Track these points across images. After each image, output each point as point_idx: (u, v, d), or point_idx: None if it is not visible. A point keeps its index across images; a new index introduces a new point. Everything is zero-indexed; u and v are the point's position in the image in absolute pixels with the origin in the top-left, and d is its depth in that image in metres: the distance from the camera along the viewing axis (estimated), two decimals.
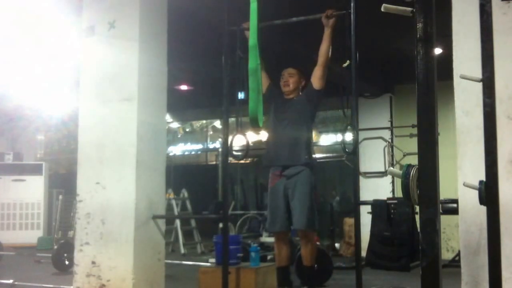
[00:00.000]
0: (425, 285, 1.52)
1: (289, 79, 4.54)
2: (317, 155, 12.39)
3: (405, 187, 1.67)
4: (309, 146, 4.47)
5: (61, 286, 5.28)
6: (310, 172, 4.39)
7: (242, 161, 11.41)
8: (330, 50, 4.30)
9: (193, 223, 10.09)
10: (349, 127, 4.03)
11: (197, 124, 14.29)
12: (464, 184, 2.23)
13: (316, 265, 4.64)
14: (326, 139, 11.99)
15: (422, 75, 1.56)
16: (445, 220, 6.35)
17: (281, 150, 4.45)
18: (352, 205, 4.20)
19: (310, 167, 4.41)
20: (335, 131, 11.40)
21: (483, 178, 2.02)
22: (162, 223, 4.47)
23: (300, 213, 4.31)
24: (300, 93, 4.57)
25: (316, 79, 4.41)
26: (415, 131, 6.91)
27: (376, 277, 5.69)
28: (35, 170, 11.11)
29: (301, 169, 4.36)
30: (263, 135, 14.47)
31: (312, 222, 4.36)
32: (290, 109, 4.51)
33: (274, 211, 4.47)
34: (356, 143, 4.09)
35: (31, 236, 10.59)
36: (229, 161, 4.42)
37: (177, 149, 14.30)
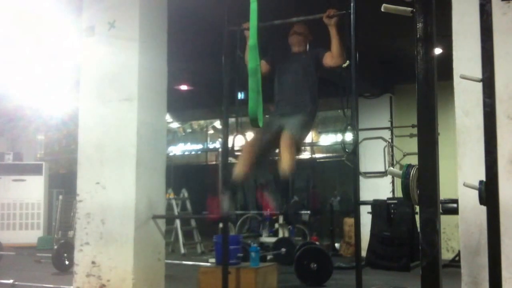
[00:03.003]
0: (425, 285, 1.52)
1: (298, 37, 4.40)
2: (317, 155, 12.34)
3: (405, 187, 1.67)
4: (313, 94, 4.29)
5: (61, 286, 5.29)
6: (310, 116, 4.23)
7: None
8: (342, 47, 4.13)
9: (193, 223, 10.09)
10: (349, 127, 4.03)
11: (197, 124, 14.29)
12: (464, 184, 2.23)
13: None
14: (326, 139, 11.99)
15: (422, 75, 1.56)
16: (445, 220, 6.36)
17: (283, 102, 4.31)
18: (352, 205, 4.20)
19: (312, 114, 4.26)
20: (335, 131, 11.40)
21: (483, 178, 2.02)
22: (162, 223, 4.47)
23: (290, 125, 4.11)
24: (307, 51, 4.41)
25: (326, 61, 4.23)
26: (415, 131, 6.91)
27: (376, 277, 5.69)
28: (35, 170, 11.11)
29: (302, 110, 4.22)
30: None
31: (299, 134, 4.14)
32: (295, 62, 4.35)
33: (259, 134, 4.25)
34: (356, 143, 4.09)
35: (31, 236, 10.60)
36: (229, 161, 4.42)
37: (177, 149, 14.30)
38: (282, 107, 4.29)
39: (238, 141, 4.38)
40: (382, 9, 1.81)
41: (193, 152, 14.77)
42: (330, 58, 4.19)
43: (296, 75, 4.28)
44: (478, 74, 2.05)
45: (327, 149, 12.03)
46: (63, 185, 11.81)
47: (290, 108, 4.24)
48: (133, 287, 4.10)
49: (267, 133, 4.18)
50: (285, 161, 3.93)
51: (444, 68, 2.69)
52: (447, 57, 3.22)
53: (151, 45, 4.47)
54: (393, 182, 8.97)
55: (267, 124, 4.17)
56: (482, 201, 2.04)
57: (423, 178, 1.56)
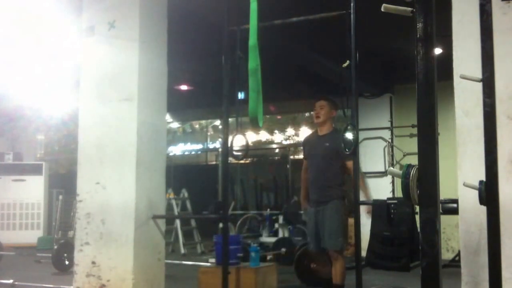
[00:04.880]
0: (425, 285, 1.52)
1: (320, 111, 4.80)
2: None
3: (405, 187, 1.67)
4: (340, 178, 4.73)
5: (61, 286, 5.29)
6: (339, 201, 4.68)
7: (242, 161, 11.42)
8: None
9: (193, 223, 10.09)
10: (349, 127, 4.03)
11: (197, 124, 14.29)
12: (464, 184, 2.23)
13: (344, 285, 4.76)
14: None
15: (422, 75, 1.56)
16: (445, 220, 6.34)
17: (313, 189, 4.80)
18: (352, 205, 4.21)
19: (341, 197, 4.71)
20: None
21: (483, 178, 2.02)
22: (162, 223, 4.47)
23: (328, 235, 4.61)
24: (333, 130, 4.82)
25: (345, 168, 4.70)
26: (415, 131, 6.90)
27: (376, 277, 5.69)
28: (35, 170, 11.11)
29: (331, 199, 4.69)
30: (263, 135, 14.31)
31: (340, 243, 4.65)
32: (321, 149, 4.78)
33: (309, 233, 4.94)
34: (356, 143, 4.08)
35: (31, 236, 10.59)
36: (229, 161, 4.42)
37: (177, 149, 14.30)
38: (315, 195, 4.78)
39: (238, 141, 4.38)
40: (382, 9, 1.81)
41: (193, 152, 14.78)
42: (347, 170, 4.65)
43: (322, 164, 4.75)
44: (478, 74, 2.05)
45: None
46: (63, 185, 11.80)
47: (321, 196, 4.71)
48: (133, 287, 4.10)
49: (312, 226, 4.78)
50: (334, 274, 4.64)
51: (444, 68, 2.69)
52: (447, 57, 3.22)
53: (151, 45, 4.47)
54: (393, 182, 8.96)
55: (309, 215, 4.86)
56: (482, 201, 2.04)
57: (423, 178, 1.56)
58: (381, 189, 8.60)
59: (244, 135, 4.35)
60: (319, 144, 4.81)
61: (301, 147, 5.27)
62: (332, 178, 4.68)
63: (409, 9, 1.64)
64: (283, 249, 7.62)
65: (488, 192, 2.00)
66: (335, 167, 4.69)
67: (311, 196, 4.83)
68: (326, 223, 4.62)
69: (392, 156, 8.76)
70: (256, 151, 13.35)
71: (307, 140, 5.17)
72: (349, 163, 4.51)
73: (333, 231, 4.59)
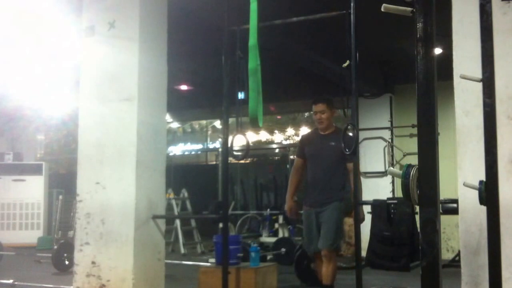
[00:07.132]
0: (425, 285, 1.52)
1: (322, 116, 4.70)
2: None
3: (405, 187, 1.67)
4: (343, 180, 4.65)
5: (61, 286, 5.29)
6: (339, 203, 4.64)
7: (242, 161, 11.41)
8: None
9: (193, 223, 10.09)
10: (349, 127, 4.03)
11: (197, 124, 14.30)
12: (464, 184, 2.23)
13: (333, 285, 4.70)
14: None
15: (422, 75, 1.56)
16: (445, 220, 6.36)
17: (316, 190, 4.70)
18: (351, 206, 4.22)
19: (341, 199, 4.65)
20: None
21: (483, 178, 2.02)
22: (162, 223, 4.47)
23: (325, 234, 4.56)
24: (336, 129, 4.71)
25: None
26: (415, 131, 6.89)
27: (376, 277, 5.70)
28: (35, 170, 11.10)
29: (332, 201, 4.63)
30: (263, 135, 14.32)
31: (336, 244, 4.60)
32: (324, 149, 4.69)
33: (308, 234, 4.76)
34: (356, 143, 4.08)
35: (31, 236, 10.59)
36: (229, 161, 4.41)
37: (177, 149, 14.30)
38: (318, 196, 4.68)
39: (238, 141, 4.38)
40: (382, 9, 1.81)
41: (193, 152, 14.78)
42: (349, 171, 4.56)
43: (327, 165, 4.65)
44: (478, 74, 2.05)
45: None
46: (63, 185, 11.81)
47: (325, 198, 4.65)
48: (133, 287, 4.10)
49: (312, 228, 4.70)
50: (326, 274, 4.55)
51: (444, 68, 2.69)
52: (447, 57, 3.22)
53: (151, 45, 4.46)
54: (393, 182, 8.97)
55: (306, 218, 4.76)
56: (482, 201, 2.04)
57: (423, 178, 1.56)
58: (381, 189, 8.60)
59: (244, 135, 4.35)
60: (323, 144, 4.69)
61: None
62: (337, 181, 4.62)
63: (409, 9, 1.64)
64: (283, 249, 7.62)
65: (488, 192, 2.00)
66: (340, 168, 4.60)
67: (311, 197, 4.74)
68: (324, 224, 4.58)
69: (392, 156, 8.77)
70: (256, 151, 13.36)
71: (307, 138, 5.01)
72: (350, 165, 4.45)
73: (329, 231, 4.54)
